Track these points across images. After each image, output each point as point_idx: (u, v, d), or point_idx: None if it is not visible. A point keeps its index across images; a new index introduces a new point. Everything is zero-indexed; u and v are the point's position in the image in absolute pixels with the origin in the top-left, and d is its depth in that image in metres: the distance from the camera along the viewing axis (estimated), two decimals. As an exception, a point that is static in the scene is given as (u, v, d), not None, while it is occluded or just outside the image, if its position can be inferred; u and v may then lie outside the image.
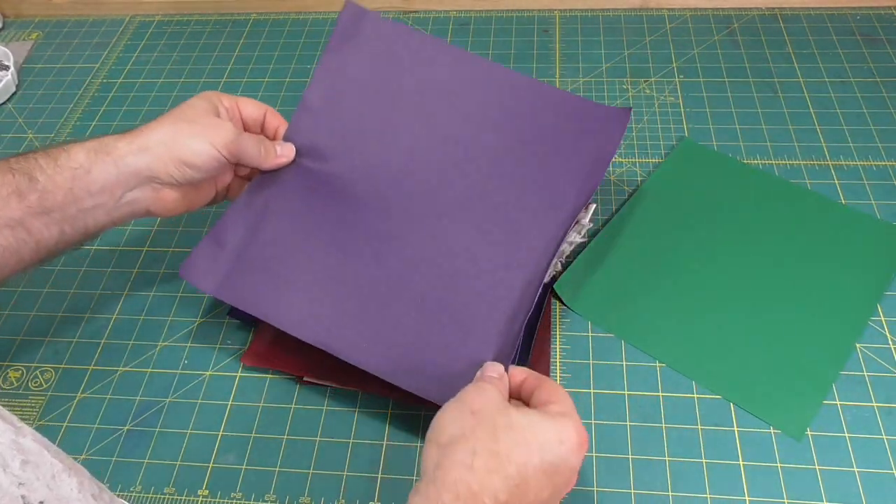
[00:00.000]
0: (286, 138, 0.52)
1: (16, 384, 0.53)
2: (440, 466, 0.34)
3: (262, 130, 0.52)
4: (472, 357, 0.45)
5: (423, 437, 0.47)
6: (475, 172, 0.51)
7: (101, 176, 0.44)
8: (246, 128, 0.51)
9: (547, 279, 0.53)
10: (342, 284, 0.48)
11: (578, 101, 0.52)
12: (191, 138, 0.46)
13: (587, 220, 0.52)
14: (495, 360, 0.44)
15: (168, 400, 0.51)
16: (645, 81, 0.70)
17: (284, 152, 0.51)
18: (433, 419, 0.37)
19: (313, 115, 0.53)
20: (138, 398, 0.51)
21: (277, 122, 0.52)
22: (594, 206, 0.52)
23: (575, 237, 0.54)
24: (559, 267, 0.55)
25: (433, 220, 0.50)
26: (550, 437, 0.35)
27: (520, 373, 0.41)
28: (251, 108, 0.51)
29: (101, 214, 0.46)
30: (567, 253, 0.55)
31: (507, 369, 0.42)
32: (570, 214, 0.49)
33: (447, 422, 0.36)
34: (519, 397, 0.41)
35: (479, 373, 0.42)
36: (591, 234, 0.57)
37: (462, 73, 0.53)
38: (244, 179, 0.53)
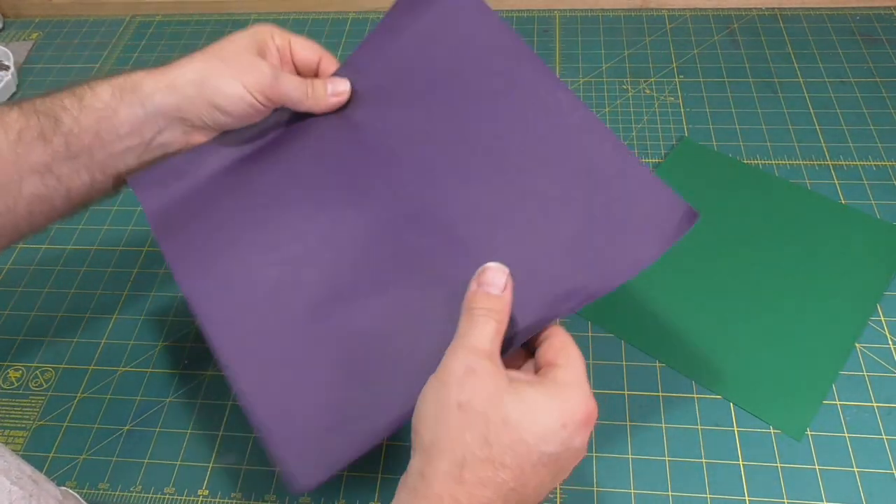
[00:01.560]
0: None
1: (16, 384, 0.53)
2: (423, 476, 0.30)
3: (315, 76, 0.46)
4: None
5: (423, 437, 0.47)
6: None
7: (129, 117, 0.41)
8: (298, 73, 0.45)
9: None
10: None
11: (642, 174, 0.38)
12: (221, 79, 0.41)
13: None
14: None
15: (168, 400, 0.51)
16: (645, 81, 0.70)
17: (337, 89, 0.44)
18: (417, 400, 0.32)
19: (356, 71, 0.46)
20: (138, 398, 0.51)
21: (334, 69, 0.46)
22: None
23: None
24: None
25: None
26: (552, 423, 0.30)
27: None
28: (305, 51, 0.45)
29: (131, 159, 0.43)
30: None
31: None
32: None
33: (429, 416, 0.31)
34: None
35: (474, 282, 0.34)
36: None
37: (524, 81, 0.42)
38: None
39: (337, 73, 0.46)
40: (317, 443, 0.36)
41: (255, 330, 0.39)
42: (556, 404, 0.31)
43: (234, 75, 0.41)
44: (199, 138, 0.44)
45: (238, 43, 0.43)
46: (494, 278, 0.34)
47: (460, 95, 0.43)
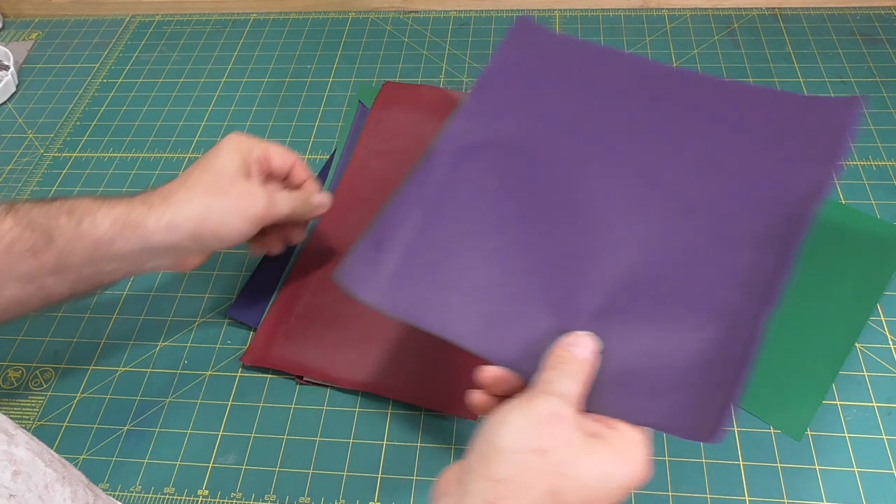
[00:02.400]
0: (446, 137, 0.46)
1: (16, 384, 0.53)
2: None
3: (286, 179, 0.49)
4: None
5: (422, 437, 0.48)
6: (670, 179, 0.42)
7: (125, 249, 0.42)
8: (271, 178, 0.49)
9: None
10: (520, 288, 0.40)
11: (789, 98, 0.45)
12: (222, 215, 0.43)
13: None
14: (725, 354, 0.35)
15: (168, 400, 0.51)
16: (645, 81, 0.70)
17: (322, 201, 0.50)
18: (489, 425, 0.32)
19: (482, 113, 0.47)
20: (138, 398, 0.51)
21: (305, 175, 0.50)
22: None
23: None
24: None
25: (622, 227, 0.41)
26: (616, 484, 0.31)
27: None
28: (280, 161, 0.48)
29: (118, 275, 0.44)
30: None
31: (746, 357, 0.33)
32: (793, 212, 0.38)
33: (508, 449, 0.31)
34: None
35: (565, 339, 0.35)
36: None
37: (646, 74, 0.47)
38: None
39: (455, 125, 0.47)
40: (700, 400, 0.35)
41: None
42: (625, 470, 0.32)
43: (233, 209, 0.43)
44: (191, 261, 0.46)
45: (228, 168, 0.44)
46: (588, 342, 0.36)
47: (609, 125, 0.45)
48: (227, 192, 0.44)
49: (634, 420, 0.34)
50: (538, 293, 0.39)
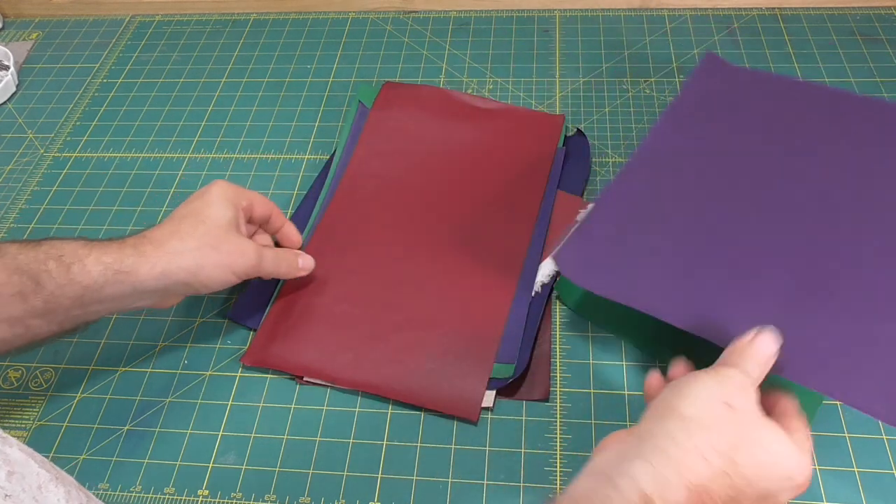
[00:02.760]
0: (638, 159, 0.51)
1: (16, 384, 0.53)
2: (677, 442, 0.32)
3: (264, 225, 0.53)
4: None
5: (422, 437, 0.48)
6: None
7: (115, 293, 0.43)
8: (251, 223, 0.52)
9: (548, 280, 0.54)
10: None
11: None
12: (214, 269, 0.46)
13: None
14: None
15: (168, 400, 0.51)
16: (645, 81, 0.70)
17: (306, 265, 0.53)
18: (671, 389, 0.35)
19: (678, 128, 0.54)
20: (138, 398, 0.51)
21: (281, 223, 0.54)
22: (591, 205, 0.52)
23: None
24: (546, 280, 0.55)
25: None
26: (784, 472, 0.33)
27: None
28: (261, 210, 0.52)
29: (104, 314, 0.46)
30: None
31: None
32: None
33: (698, 393, 0.34)
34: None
35: (749, 333, 0.38)
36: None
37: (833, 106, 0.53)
38: None
39: (660, 130, 0.54)
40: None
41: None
42: (794, 461, 0.33)
43: (225, 263, 0.46)
44: (173, 300, 0.49)
45: (221, 221, 0.47)
46: (770, 342, 0.38)
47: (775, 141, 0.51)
48: (219, 248, 0.46)
49: (836, 395, 0.40)
50: (733, 279, 0.45)
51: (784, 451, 0.33)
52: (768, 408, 0.36)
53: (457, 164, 0.62)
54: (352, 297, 0.54)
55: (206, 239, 0.45)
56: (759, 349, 0.37)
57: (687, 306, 0.44)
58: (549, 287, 0.54)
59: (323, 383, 0.50)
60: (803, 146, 0.51)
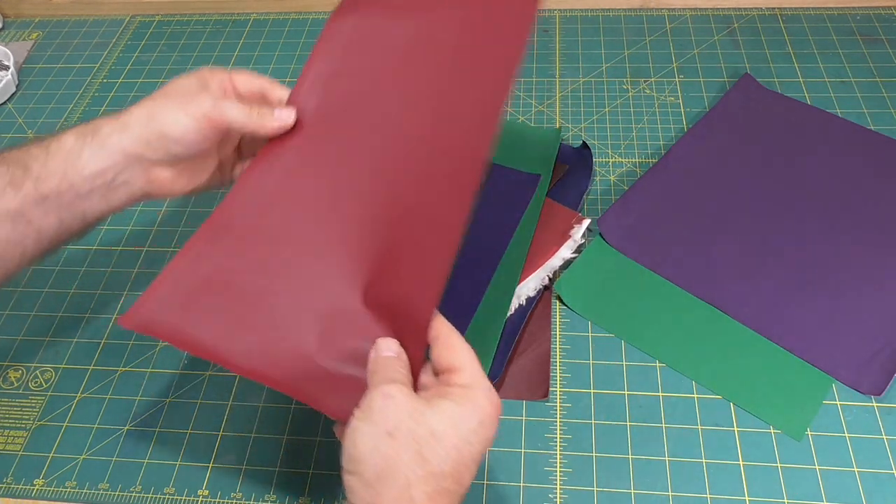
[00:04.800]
0: None
1: (16, 384, 0.53)
2: (377, 500, 0.33)
3: (264, 102, 0.48)
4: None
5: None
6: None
7: (91, 158, 0.44)
8: (243, 102, 0.47)
9: (534, 293, 0.53)
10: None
11: None
12: (167, 111, 0.44)
13: (579, 235, 0.52)
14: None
15: (168, 400, 0.51)
16: (645, 81, 0.70)
17: (282, 116, 0.46)
18: (345, 444, 0.35)
19: (707, 137, 0.63)
20: (138, 398, 0.51)
21: (280, 93, 0.48)
22: (587, 221, 0.52)
23: (566, 252, 0.54)
24: (546, 282, 0.54)
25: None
26: (473, 424, 0.34)
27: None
28: (247, 84, 0.48)
29: (97, 199, 0.45)
30: (556, 268, 0.55)
31: None
32: None
33: (365, 452, 0.33)
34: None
35: (372, 352, 0.38)
36: (592, 234, 0.57)
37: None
38: (250, 157, 0.49)
39: (690, 138, 0.63)
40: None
41: None
42: (470, 408, 0.34)
43: (178, 107, 0.44)
44: (158, 173, 0.45)
45: (181, 83, 0.46)
46: (388, 344, 0.38)
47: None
48: (173, 96, 0.45)
49: (815, 362, 0.49)
50: (742, 263, 0.54)
51: (454, 415, 0.34)
52: (441, 367, 0.37)
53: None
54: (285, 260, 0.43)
55: (162, 93, 0.46)
56: (384, 359, 0.37)
57: (700, 279, 0.53)
58: (534, 300, 0.54)
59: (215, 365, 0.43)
60: (810, 166, 0.60)
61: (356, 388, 0.37)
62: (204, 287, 0.42)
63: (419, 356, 0.37)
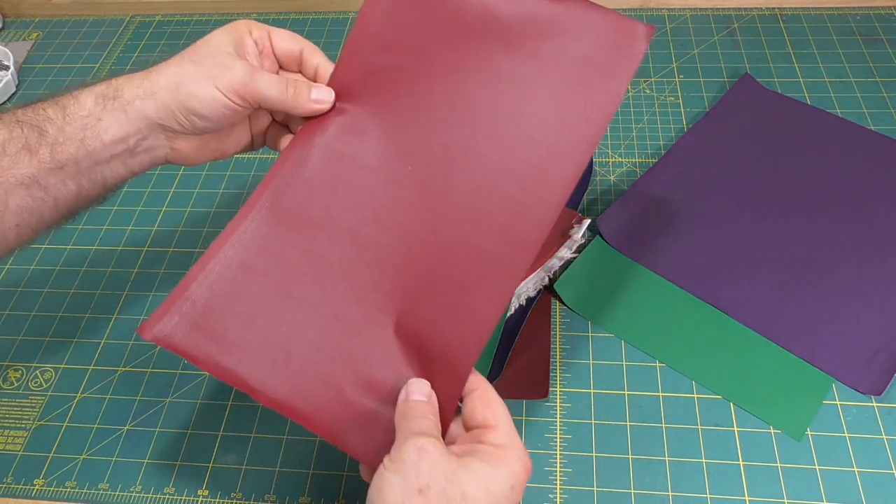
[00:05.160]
0: None
1: (16, 384, 0.53)
2: None
3: (299, 69, 0.44)
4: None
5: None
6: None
7: (112, 124, 0.40)
8: (280, 65, 0.44)
9: (533, 293, 0.53)
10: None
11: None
12: (195, 83, 0.40)
13: (579, 235, 0.52)
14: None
15: (168, 400, 0.51)
16: (645, 81, 0.70)
17: (321, 97, 0.42)
18: (372, 490, 0.33)
19: (709, 135, 0.64)
20: (138, 398, 0.51)
21: (318, 60, 0.44)
22: (587, 221, 0.52)
23: (566, 252, 0.54)
24: (546, 282, 0.54)
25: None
26: (504, 489, 0.33)
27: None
28: (285, 42, 0.43)
29: (117, 165, 0.42)
30: (556, 269, 0.55)
31: None
32: None
33: (388, 495, 0.32)
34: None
35: (403, 393, 0.36)
36: (592, 234, 0.57)
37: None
38: (282, 126, 0.46)
39: (693, 135, 0.63)
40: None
41: None
42: (504, 472, 0.33)
43: (207, 78, 0.40)
44: (182, 143, 0.42)
45: (213, 42, 0.42)
46: (420, 387, 0.36)
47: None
48: (203, 63, 0.41)
49: (815, 362, 0.49)
50: (741, 262, 0.55)
51: (487, 477, 0.32)
52: (475, 422, 0.35)
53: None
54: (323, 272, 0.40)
55: (191, 57, 0.41)
56: (415, 404, 0.36)
57: (700, 279, 0.54)
58: (534, 300, 0.54)
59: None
60: (810, 166, 0.60)
61: (379, 427, 0.36)
62: (237, 316, 0.39)
63: (452, 405, 0.36)
